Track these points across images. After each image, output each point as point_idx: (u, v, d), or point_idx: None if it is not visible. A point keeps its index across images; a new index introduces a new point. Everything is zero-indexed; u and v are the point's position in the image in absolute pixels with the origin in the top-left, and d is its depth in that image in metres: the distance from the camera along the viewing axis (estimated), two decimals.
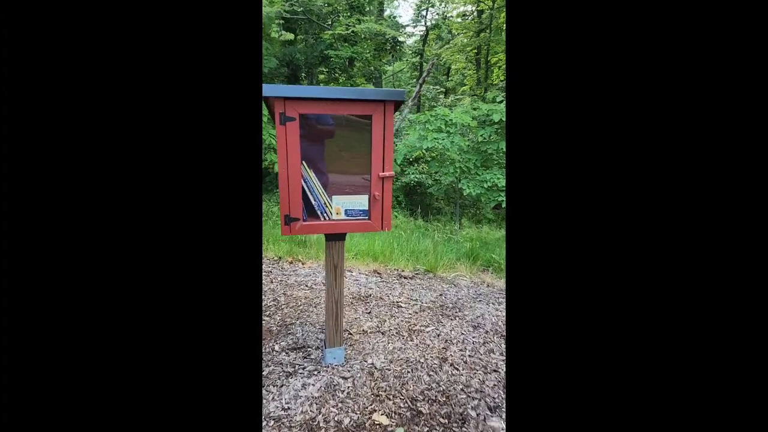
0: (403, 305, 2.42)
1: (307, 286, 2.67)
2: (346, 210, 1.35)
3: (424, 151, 5.95)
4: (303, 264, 3.37)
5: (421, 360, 1.77)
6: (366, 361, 1.72)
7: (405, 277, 3.35)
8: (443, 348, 1.90)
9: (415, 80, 9.85)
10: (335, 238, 1.47)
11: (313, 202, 1.36)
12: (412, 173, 7.54)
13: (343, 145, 1.29)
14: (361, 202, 1.36)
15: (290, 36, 5.98)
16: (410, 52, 14.05)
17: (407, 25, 13.58)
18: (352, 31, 7.29)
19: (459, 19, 13.09)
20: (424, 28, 12.67)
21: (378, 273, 3.36)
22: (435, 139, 5.11)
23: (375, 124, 1.28)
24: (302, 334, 1.96)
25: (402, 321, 2.19)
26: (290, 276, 2.91)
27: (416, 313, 2.31)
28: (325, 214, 1.39)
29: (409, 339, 1.98)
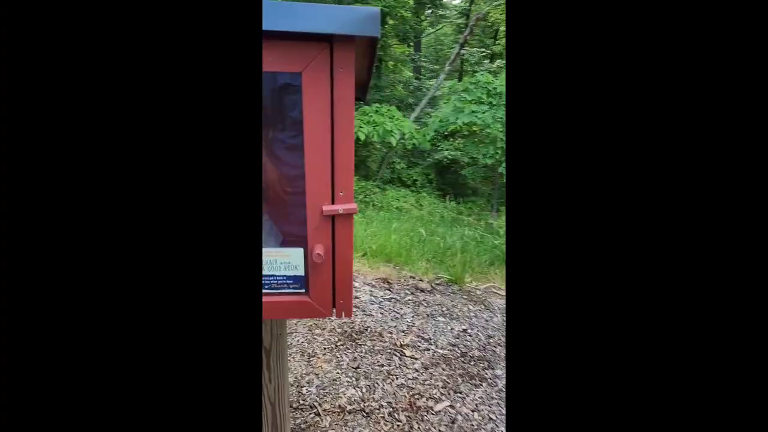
0: (408, 352, 1.73)
1: None
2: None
3: (461, 125, 5.07)
4: None
5: None
6: None
7: (422, 291, 2.66)
8: None
9: (458, 44, 8.59)
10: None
11: None
12: (446, 149, 6.64)
13: None
14: (288, 262, 0.65)
15: None
16: (455, 12, 12.71)
17: None
18: None
19: None
20: None
21: (388, 283, 2.68)
22: (474, 112, 4.22)
23: (308, 91, 0.55)
24: None
25: (402, 386, 1.51)
26: None
27: (425, 369, 1.62)
28: None
29: (407, 427, 1.30)
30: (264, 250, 0.64)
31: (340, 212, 0.60)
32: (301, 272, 0.65)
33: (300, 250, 0.64)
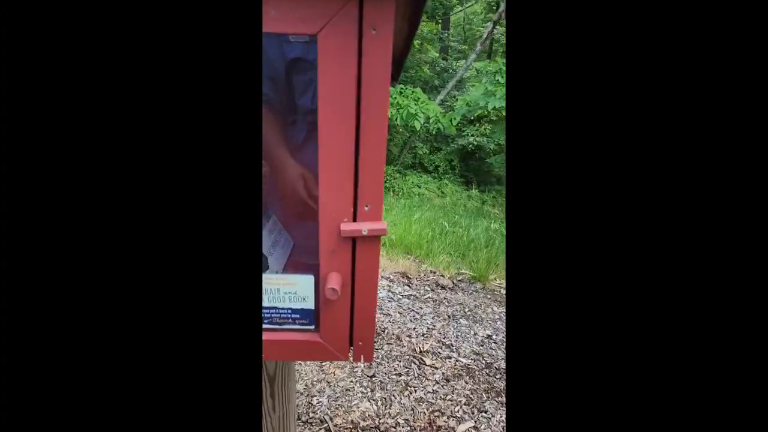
0: (428, 360, 1.59)
1: None
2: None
3: (490, 110, 4.79)
4: None
5: None
6: None
7: (443, 287, 2.51)
8: None
9: (490, 22, 8.09)
10: None
11: None
12: (471, 134, 6.35)
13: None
14: (294, 292, 0.50)
15: None
16: None
17: None
18: None
19: None
20: None
21: (407, 278, 2.53)
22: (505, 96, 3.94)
23: (326, 62, 0.38)
24: None
25: (421, 400, 1.37)
26: None
27: (447, 381, 1.48)
28: None
29: None
30: (264, 276, 0.49)
31: (364, 233, 0.44)
32: (310, 305, 0.50)
33: (310, 278, 0.49)
